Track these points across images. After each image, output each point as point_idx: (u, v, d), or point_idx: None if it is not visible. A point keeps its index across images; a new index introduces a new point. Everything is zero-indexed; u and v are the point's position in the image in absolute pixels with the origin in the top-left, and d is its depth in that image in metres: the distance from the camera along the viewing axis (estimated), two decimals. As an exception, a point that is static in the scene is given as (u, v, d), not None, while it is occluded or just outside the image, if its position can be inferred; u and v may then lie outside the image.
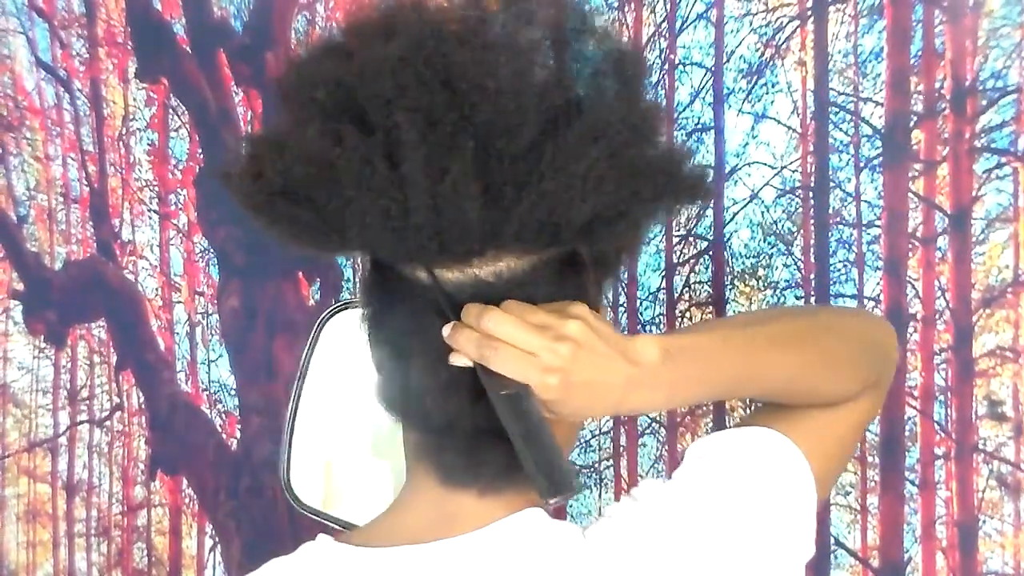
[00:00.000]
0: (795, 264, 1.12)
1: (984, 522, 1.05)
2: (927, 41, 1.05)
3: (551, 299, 0.61)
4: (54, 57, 1.64)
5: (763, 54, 1.13)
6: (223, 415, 1.54)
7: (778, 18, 1.11)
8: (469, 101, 0.56)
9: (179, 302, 1.57)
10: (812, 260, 1.11)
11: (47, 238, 1.67)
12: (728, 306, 1.16)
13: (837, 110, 1.09)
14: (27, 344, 1.72)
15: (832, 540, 1.11)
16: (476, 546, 0.63)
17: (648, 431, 1.21)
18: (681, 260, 1.18)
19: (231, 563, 1.54)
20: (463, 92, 0.56)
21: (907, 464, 1.08)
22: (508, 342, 0.59)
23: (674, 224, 1.17)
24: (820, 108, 1.10)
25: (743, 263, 1.15)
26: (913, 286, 1.07)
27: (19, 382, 1.73)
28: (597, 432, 1.24)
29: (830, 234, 1.10)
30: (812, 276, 1.11)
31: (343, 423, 1.04)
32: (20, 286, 1.71)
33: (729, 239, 1.15)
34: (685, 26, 1.16)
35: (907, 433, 1.07)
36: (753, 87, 1.13)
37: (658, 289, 1.20)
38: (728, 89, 1.15)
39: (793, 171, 1.12)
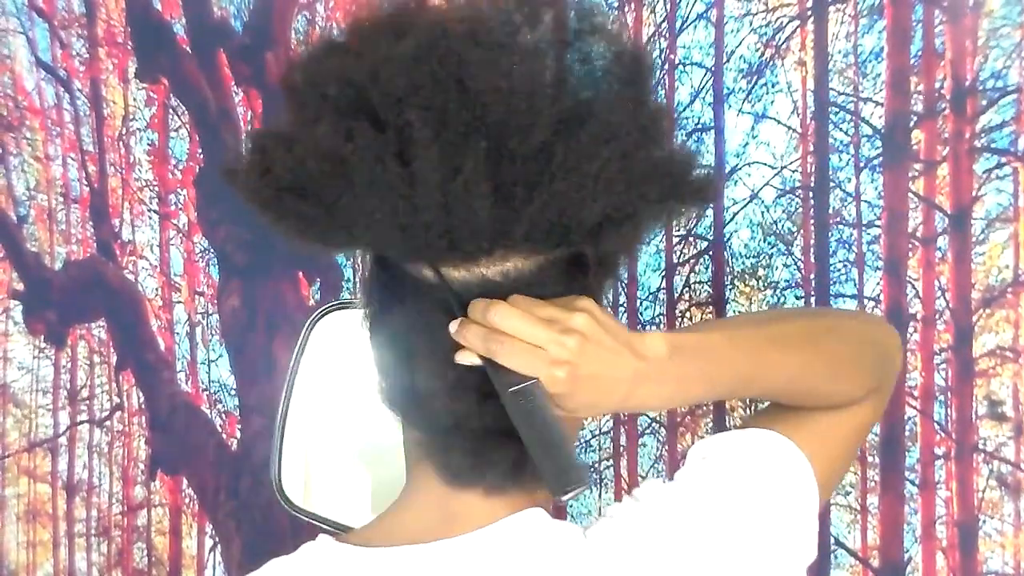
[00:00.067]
0: (795, 264, 1.12)
1: (984, 522, 1.05)
2: (927, 41, 1.05)
3: (557, 298, 0.62)
4: (54, 57, 1.64)
5: (763, 54, 1.13)
6: (223, 415, 1.54)
7: (778, 18, 1.11)
8: (482, 101, 0.56)
9: (179, 302, 1.57)
10: (812, 260, 1.11)
11: (47, 238, 1.67)
12: (728, 306, 1.16)
13: (837, 110, 1.09)
14: (27, 344, 1.72)
15: (832, 540, 1.11)
16: (477, 546, 0.63)
17: (648, 431, 1.21)
18: (681, 260, 1.18)
19: (231, 563, 1.54)
20: (476, 92, 0.56)
21: (907, 464, 1.08)
22: (515, 336, 0.59)
23: (674, 224, 1.17)
24: (820, 108, 1.10)
25: (743, 263, 1.15)
26: (913, 286, 1.07)
27: (19, 382, 1.73)
28: (597, 432, 1.24)
29: (830, 234, 1.10)
30: (812, 276, 1.11)
31: (334, 424, 1.04)
32: (20, 286, 1.71)
33: (729, 239, 1.15)
34: (685, 26, 1.16)
35: (907, 433, 1.07)
36: (753, 87, 1.13)
37: (658, 289, 1.20)
38: (728, 89, 1.15)
39: (793, 171, 1.12)
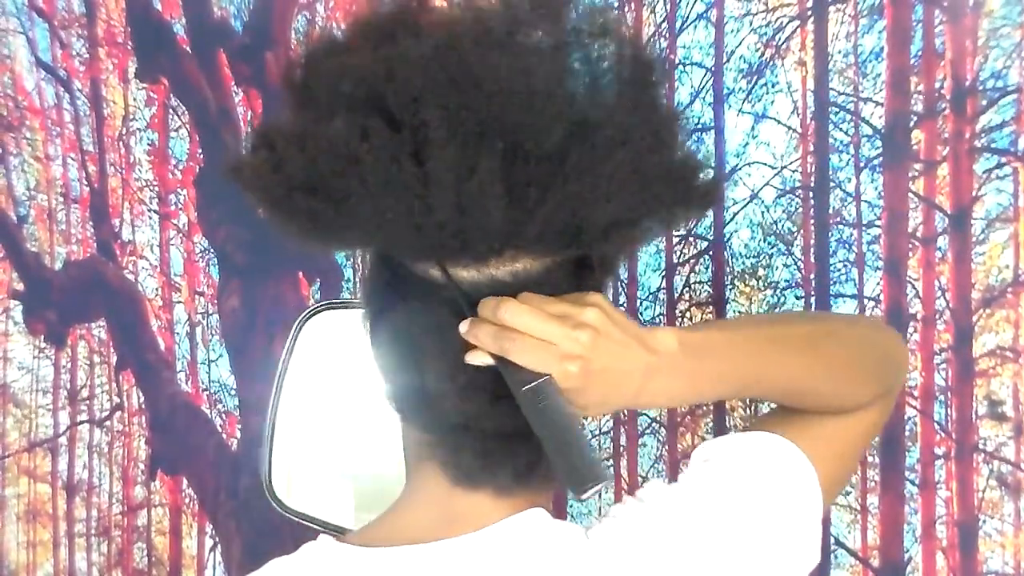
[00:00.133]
0: (795, 264, 1.12)
1: (984, 522, 1.05)
2: (927, 41, 1.05)
3: (567, 295, 0.62)
4: (54, 57, 1.64)
5: (763, 54, 1.13)
6: (223, 415, 1.54)
7: (778, 18, 1.12)
8: (498, 101, 0.56)
9: (179, 302, 1.57)
10: (812, 260, 1.11)
11: (47, 238, 1.67)
12: (728, 306, 1.16)
13: (837, 110, 1.09)
14: (27, 344, 1.72)
15: (832, 540, 1.11)
16: (479, 546, 0.63)
17: (648, 431, 1.21)
18: (681, 260, 1.18)
19: (231, 563, 1.54)
20: (493, 92, 0.56)
21: (907, 464, 1.08)
22: (527, 332, 0.59)
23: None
24: (820, 108, 1.10)
25: (743, 263, 1.15)
26: (913, 286, 1.07)
27: (19, 382, 1.73)
28: (597, 432, 1.24)
29: (830, 234, 1.10)
30: (812, 276, 1.11)
31: (323, 424, 1.04)
32: (20, 286, 1.71)
33: (729, 239, 1.15)
34: (685, 26, 1.16)
35: (907, 433, 1.07)
36: (753, 87, 1.13)
37: (658, 289, 1.20)
38: (728, 89, 1.15)
39: (793, 171, 1.12)
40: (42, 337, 1.71)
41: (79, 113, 1.63)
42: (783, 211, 1.13)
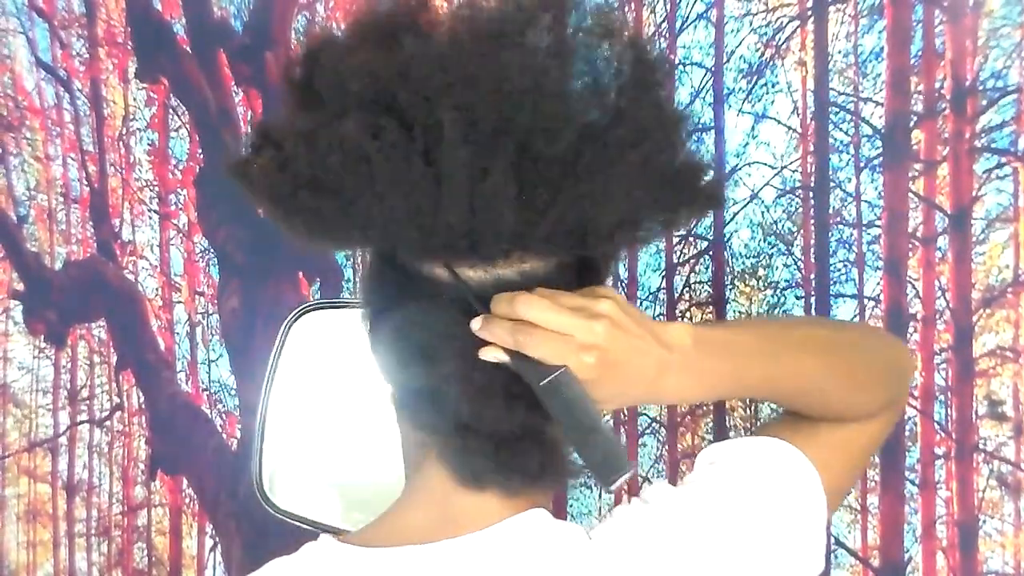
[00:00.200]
0: (795, 264, 1.12)
1: (984, 522, 1.05)
2: (927, 41, 1.05)
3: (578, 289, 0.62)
4: (54, 57, 1.64)
5: (763, 54, 1.13)
6: (223, 415, 1.54)
7: (778, 18, 1.11)
8: (512, 102, 0.55)
9: (179, 302, 1.57)
10: (812, 260, 1.11)
11: (47, 238, 1.67)
12: (728, 306, 1.16)
13: (837, 110, 1.09)
14: (27, 344, 1.71)
15: (832, 540, 1.11)
16: (481, 547, 0.63)
17: (648, 431, 1.21)
18: (681, 260, 1.18)
19: (231, 563, 1.54)
20: (507, 93, 0.56)
21: (907, 464, 1.08)
22: (542, 325, 0.59)
23: (674, 224, 1.17)
24: (820, 108, 1.10)
25: (743, 263, 1.15)
26: (913, 286, 1.07)
27: (19, 382, 1.73)
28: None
29: (830, 234, 1.10)
30: (812, 276, 1.11)
31: (312, 424, 1.04)
32: (20, 286, 1.71)
33: (729, 239, 1.15)
34: (685, 26, 1.16)
35: (907, 433, 1.07)
36: (753, 87, 1.13)
37: (658, 289, 1.20)
38: (728, 89, 1.15)
39: (793, 171, 1.12)
40: (42, 337, 1.71)
41: (79, 113, 1.63)
42: (783, 211, 1.13)
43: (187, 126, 1.54)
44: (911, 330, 1.07)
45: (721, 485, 0.69)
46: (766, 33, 1.12)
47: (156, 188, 1.58)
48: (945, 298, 1.05)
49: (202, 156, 1.54)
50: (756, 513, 0.68)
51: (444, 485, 0.65)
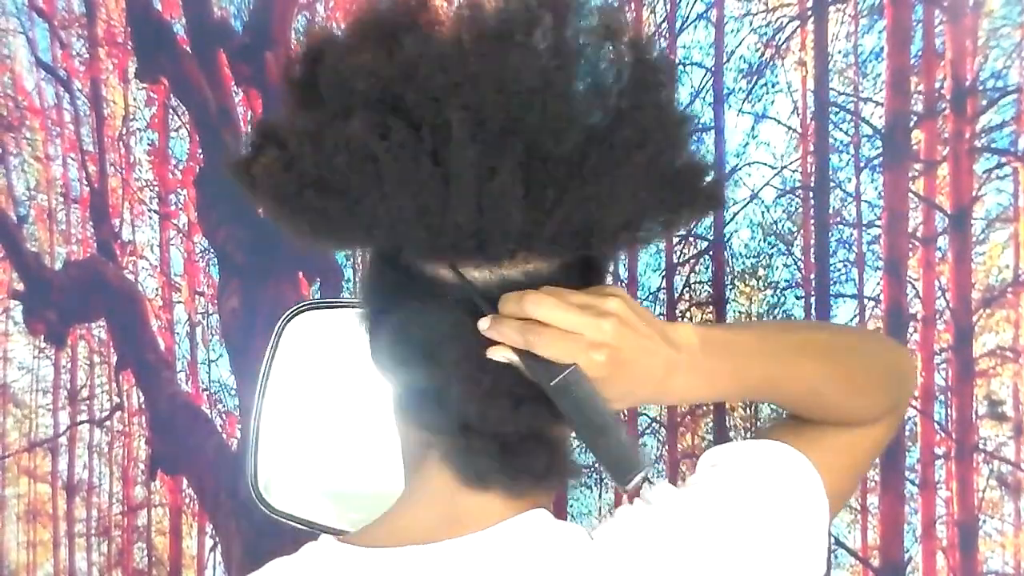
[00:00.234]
0: (795, 264, 1.12)
1: (984, 522, 1.05)
2: (927, 41, 1.05)
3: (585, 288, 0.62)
4: (54, 57, 1.64)
5: (763, 54, 1.13)
6: (223, 415, 1.54)
7: (778, 18, 1.12)
8: (520, 102, 0.55)
9: (179, 302, 1.57)
10: (812, 260, 1.11)
11: (47, 238, 1.67)
12: (728, 306, 1.16)
13: (837, 110, 1.09)
14: (27, 344, 1.71)
15: (832, 540, 1.11)
16: (482, 547, 0.63)
17: (648, 431, 1.21)
18: (681, 260, 1.18)
19: (231, 563, 1.54)
20: (514, 92, 0.55)
21: (907, 464, 1.08)
22: (551, 323, 0.59)
23: (674, 224, 1.17)
24: (820, 108, 1.10)
25: (743, 263, 1.15)
26: (913, 286, 1.07)
27: (19, 382, 1.73)
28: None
29: (830, 234, 1.10)
30: (812, 276, 1.11)
31: (307, 424, 1.04)
32: (20, 286, 1.71)
33: (729, 239, 1.15)
34: (685, 26, 1.16)
35: (907, 433, 1.07)
36: (753, 87, 1.13)
37: (658, 289, 1.20)
38: (728, 89, 1.15)
39: (793, 171, 1.12)
40: (42, 337, 1.71)
41: (79, 113, 1.63)
42: (783, 211, 1.13)
43: (187, 126, 1.54)
44: (911, 330, 1.07)
45: (724, 487, 0.69)
46: (766, 33, 1.12)
47: (156, 188, 1.58)
48: (945, 298, 1.05)
49: (202, 156, 1.54)
50: (758, 516, 0.67)
51: (447, 485, 0.64)
